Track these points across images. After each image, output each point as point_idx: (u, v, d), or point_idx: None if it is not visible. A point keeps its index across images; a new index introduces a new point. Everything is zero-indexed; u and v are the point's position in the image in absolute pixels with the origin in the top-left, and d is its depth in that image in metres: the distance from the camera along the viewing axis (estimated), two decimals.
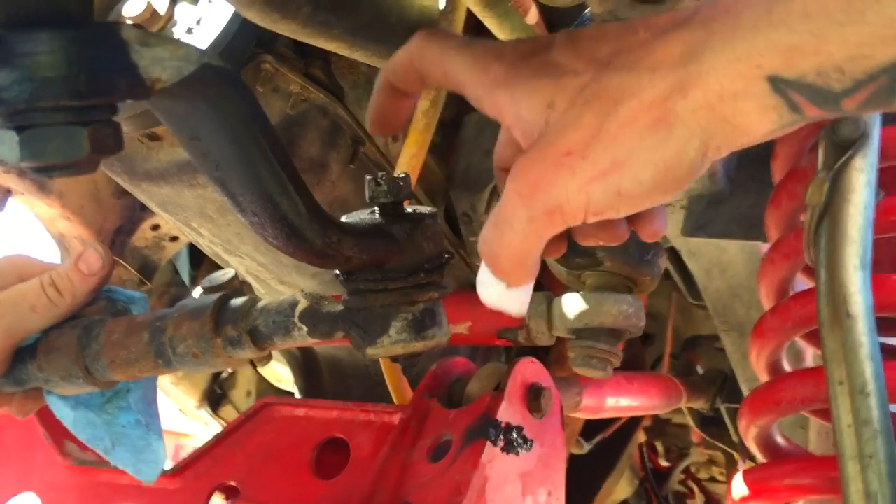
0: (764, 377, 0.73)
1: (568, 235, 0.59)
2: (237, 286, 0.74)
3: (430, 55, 0.58)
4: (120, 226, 1.67)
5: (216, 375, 2.09)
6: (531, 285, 0.56)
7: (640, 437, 2.19)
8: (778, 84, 0.42)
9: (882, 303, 0.57)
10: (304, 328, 0.67)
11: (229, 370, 2.09)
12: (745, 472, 0.66)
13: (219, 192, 0.56)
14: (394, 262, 0.63)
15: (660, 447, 2.37)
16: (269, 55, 1.04)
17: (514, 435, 0.87)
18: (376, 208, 0.64)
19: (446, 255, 0.66)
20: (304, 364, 1.68)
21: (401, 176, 0.63)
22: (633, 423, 1.99)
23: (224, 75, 0.49)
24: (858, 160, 0.57)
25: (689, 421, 1.78)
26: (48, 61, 0.40)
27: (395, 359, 0.67)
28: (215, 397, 2.10)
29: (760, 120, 0.44)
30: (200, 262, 1.94)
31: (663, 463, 2.42)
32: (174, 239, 1.70)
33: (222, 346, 0.69)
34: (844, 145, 0.57)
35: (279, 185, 0.54)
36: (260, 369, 2.22)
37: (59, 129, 0.43)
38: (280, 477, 0.96)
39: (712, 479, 2.92)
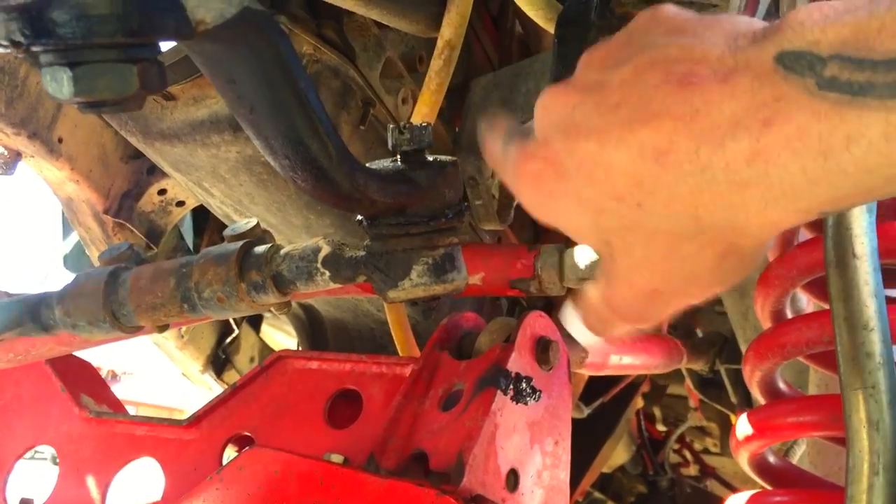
0: (767, 325, 0.76)
1: None
2: (260, 234, 0.76)
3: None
4: (127, 190, 1.69)
5: (220, 341, 2.12)
6: None
7: (639, 403, 2.22)
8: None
9: (887, 248, 0.60)
10: (327, 273, 0.69)
11: (233, 335, 2.11)
12: (749, 413, 0.69)
13: (251, 134, 0.58)
14: (415, 207, 0.65)
15: (657, 413, 2.41)
16: (282, 15, 1.06)
17: (524, 385, 0.89)
18: (398, 156, 0.66)
19: (465, 204, 0.68)
20: (309, 327, 1.70)
21: (422, 125, 0.65)
22: (632, 389, 2.02)
23: (263, 19, 0.51)
24: None
25: (688, 386, 1.82)
26: None
27: (414, 303, 0.69)
28: (219, 362, 2.14)
29: None
30: (203, 230, 1.96)
31: (660, 428, 2.46)
32: (180, 204, 1.72)
33: (246, 290, 0.71)
34: None
35: (310, 128, 0.56)
36: (262, 335, 2.26)
37: (110, 65, 0.45)
38: (294, 427, 0.98)
39: (706, 451, 2.97)
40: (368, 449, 0.87)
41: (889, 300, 0.60)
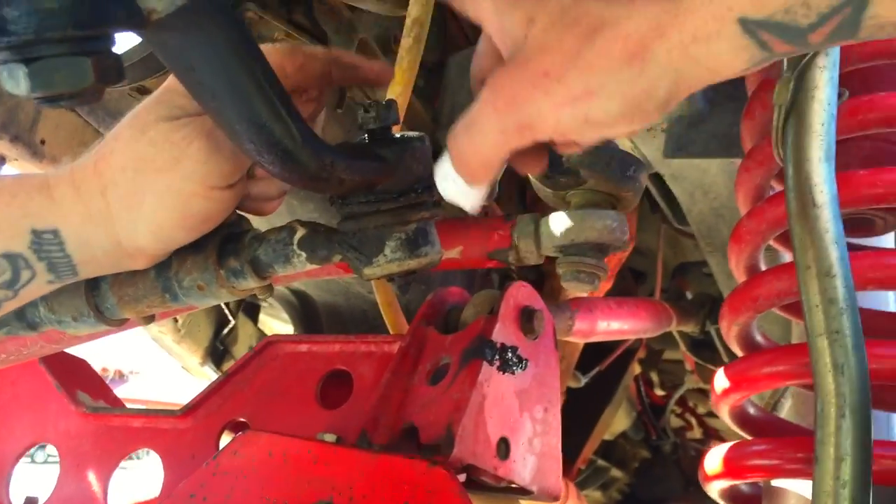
0: (743, 280, 0.77)
1: (549, 155, 0.62)
2: (234, 220, 0.77)
3: None
4: None
5: (217, 332, 2.13)
6: (488, 186, 0.60)
7: (636, 369, 2.24)
8: (748, 25, 0.45)
9: (847, 198, 0.61)
10: (303, 254, 0.70)
11: (230, 326, 2.12)
12: (725, 367, 0.70)
13: (216, 121, 0.58)
14: (385, 184, 0.66)
15: (655, 378, 2.43)
16: (251, 2, 1.06)
17: (509, 355, 0.90)
18: (366, 135, 0.67)
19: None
20: (302, 312, 1.72)
21: (387, 101, 0.66)
22: (628, 356, 2.04)
23: (215, 6, 0.51)
24: (821, 59, 0.60)
25: (682, 349, 1.83)
26: None
27: (390, 278, 0.70)
28: (218, 353, 2.14)
29: (733, 61, 0.47)
30: None
31: (660, 393, 2.48)
32: None
33: (226, 277, 0.72)
34: None
35: (272, 112, 0.57)
36: (260, 325, 2.27)
37: (65, 59, 0.46)
38: (287, 410, 0.99)
39: (710, 414, 2.99)
40: (360, 427, 0.89)
41: (853, 247, 0.61)
